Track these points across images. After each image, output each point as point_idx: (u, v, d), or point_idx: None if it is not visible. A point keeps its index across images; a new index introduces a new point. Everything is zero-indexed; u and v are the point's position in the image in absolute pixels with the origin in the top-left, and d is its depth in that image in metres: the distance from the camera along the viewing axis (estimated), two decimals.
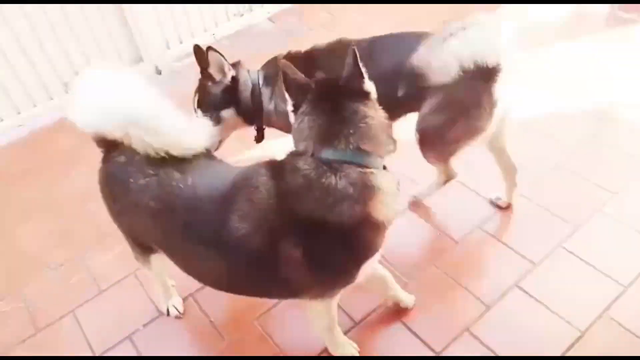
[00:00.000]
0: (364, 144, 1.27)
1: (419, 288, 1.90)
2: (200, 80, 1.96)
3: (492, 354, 1.71)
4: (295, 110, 1.35)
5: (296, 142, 1.34)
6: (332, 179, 1.24)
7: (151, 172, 1.42)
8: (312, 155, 1.28)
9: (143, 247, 1.67)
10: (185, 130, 1.45)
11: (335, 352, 1.71)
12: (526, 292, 1.87)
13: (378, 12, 3.55)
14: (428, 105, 1.70)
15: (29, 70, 2.89)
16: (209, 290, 1.81)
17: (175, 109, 1.44)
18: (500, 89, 1.61)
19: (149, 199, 1.42)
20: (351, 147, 1.26)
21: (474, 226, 2.11)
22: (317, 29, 3.48)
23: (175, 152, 1.42)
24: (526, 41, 2.62)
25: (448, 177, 2.01)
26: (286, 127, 1.68)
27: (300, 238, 1.29)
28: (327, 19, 3.56)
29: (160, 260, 1.68)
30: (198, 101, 1.96)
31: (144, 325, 1.92)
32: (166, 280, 1.90)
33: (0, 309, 2.08)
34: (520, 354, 1.72)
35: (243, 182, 1.36)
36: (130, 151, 1.44)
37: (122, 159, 1.47)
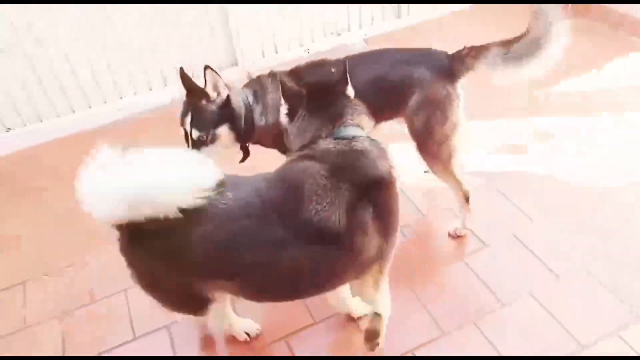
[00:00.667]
0: (360, 121, 1.58)
1: None
2: (189, 101, 1.94)
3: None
4: (290, 115, 1.60)
5: (296, 137, 1.59)
6: (359, 145, 1.50)
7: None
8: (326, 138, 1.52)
9: (201, 303, 1.61)
10: (192, 178, 1.41)
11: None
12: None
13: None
14: (410, 109, 1.97)
15: (127, 61, 3.14)
16: None
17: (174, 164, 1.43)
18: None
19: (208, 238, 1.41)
20: (352, 124, 1.55)
21: None
22: None
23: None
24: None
25: (463, 192, 2.13)
26: (271, 142, 1.99)
27: (367, 200, 1.45)
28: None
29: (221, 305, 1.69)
30: (192, 121, 1.92)
31: (182, 319, 2.00)
32: (232, 319, 1.89)
33: (68, 274, 2.28)
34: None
35: (299, 175, 1.45)
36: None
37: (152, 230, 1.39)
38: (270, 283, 1.49)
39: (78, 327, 2.07)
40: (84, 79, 3.06)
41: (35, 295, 2.20)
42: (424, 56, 2.01)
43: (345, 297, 1.87)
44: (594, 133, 2.69)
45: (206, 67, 1.87)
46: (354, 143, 1.51)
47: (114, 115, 3.17)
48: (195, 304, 1.62)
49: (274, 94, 1.94)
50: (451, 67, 1.97)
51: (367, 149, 1.50)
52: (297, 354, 1.87)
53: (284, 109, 1.62)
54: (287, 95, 1.61)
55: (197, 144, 1.93)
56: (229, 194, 1.41)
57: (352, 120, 1.56)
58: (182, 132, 1.97)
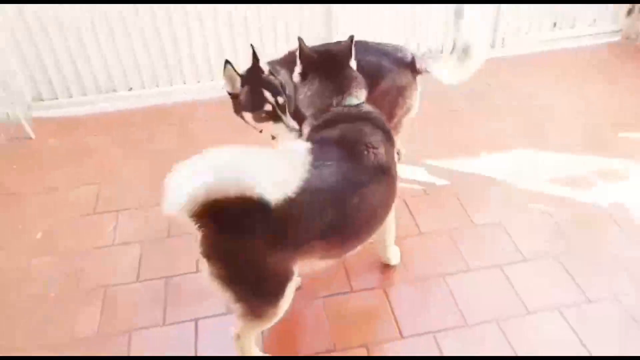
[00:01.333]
0: (359, 93, 1.90)
1: None
2: (255, 79, 2.14)
3: None
4: (302, 75, 1.92)
5: (309, 103, 1.91)
6: (368, 108, 1.89)
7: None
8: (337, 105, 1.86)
9: (283, 282, 1.67)
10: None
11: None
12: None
13: (557, 84, 3.58)
14: (378, 91, 2.24)
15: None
16: None
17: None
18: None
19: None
20: (355, 95, 1.88)
21: None
22: (495, 86, 3.60)
23: None
24: None
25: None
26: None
27: (388, 139, 1.86)
28: (508, 80, 3.67)
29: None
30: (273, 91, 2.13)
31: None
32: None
33: (154, 211, 2.62)
34: None
35: (354, 133, 1.79)
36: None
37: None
38: (355, 226, 1.76)
39: (153, 253, 2.42)
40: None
41: (125, 222, 2.61)
42: (395, 49, 2.39)
43: (387, 245, 2.21)
44: None
45: (226, 62, 2.08)
46: (362, 108, 1.88)
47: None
48: (277, 286, 1.66)
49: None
50: (414, 63, 2.35)
51: (373, 110, 1.90)
52: None
53: (298, 69, 1.93)
54: (303, 56, 1.90)
55: (284, 110, 2.15)
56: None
57: (355, 92, 1.89)
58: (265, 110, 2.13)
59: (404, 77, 2.35)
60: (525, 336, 1.98)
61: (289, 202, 1.48)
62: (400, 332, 2.01)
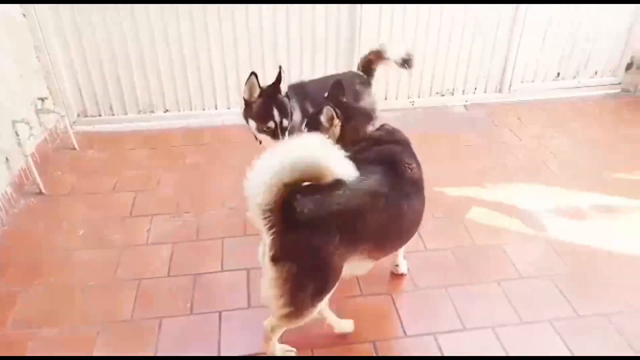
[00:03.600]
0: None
1: None
2: (268, 97, 2.46)
3: None
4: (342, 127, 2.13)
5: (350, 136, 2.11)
6: (390, 127, 2.21)
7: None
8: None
9: (337, 276, 1.82)
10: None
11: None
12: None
13: (560, 127, 3.87)
14: None
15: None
16: None
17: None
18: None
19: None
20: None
21: None
22: (502, 127, 3.91)
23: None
24: None
25: None
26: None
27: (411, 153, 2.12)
28: (514, 122, 3.97)
29: None
30: (280, 112, 2.44)
31: None
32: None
33: (186, 218, 2.94)
34: None
35: (391, 152, 2.04)
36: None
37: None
38: (400, 231, 2.03)
39: (183, 253, 2.67)
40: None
41: (159, 225, 2.87)
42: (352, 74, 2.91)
43: (399, 254, 2.45)
44: None
45: (252, 73, 2.38)
46: (385, 127, 2.18)
47: None
48: (332, 284, 1.81)
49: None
50: (367, 75, 2.89)
51: (392, 127, 2.19)
52: None
53: (338, 126, 2.10)
54: (339, 115, 2.08)
55: (284, 132, 2.45)
56: (362, 178, 1.75)
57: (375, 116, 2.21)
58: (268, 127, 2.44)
59: (360, 87, 2.84)
60: (518, 342, 2.18)
61: (359, 199, 1.77)
62: (404, 332, 2.23)
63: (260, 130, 2.48)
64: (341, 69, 3.58)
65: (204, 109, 3.93)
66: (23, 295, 2.41)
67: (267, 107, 2.43)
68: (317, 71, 3.80)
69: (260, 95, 2.44)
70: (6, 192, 2.95)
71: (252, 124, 2.49)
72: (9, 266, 2.57)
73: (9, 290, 2.43)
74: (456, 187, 3.19)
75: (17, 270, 2.55)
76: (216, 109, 3.94)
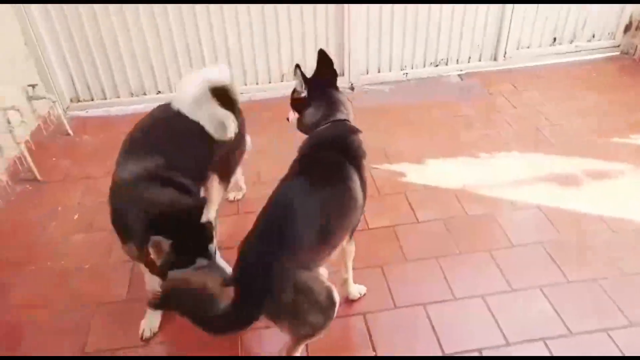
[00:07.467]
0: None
1: None
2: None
3: None
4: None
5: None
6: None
7: None
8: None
9: None
10: None
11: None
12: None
13: (556, 93, 3.82)
14: None
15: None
16: None
17: None
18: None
19: None
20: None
21: None
22: (496, 95, 3.86)
23: None
24: None
25: None
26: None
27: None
28: (509, 90, 3.92)
29: None
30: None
31: None
32: None
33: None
34: None
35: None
36: None
37: None
38: None
39: None
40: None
41: None
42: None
43: None
44: None
45: (297, 66, 2.06)
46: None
47: None
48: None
49: None
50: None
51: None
52: None
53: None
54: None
55: None
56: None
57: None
58: None
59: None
60: (508, 309, 2.20)
61: None
62: (394, 303, 2.25)
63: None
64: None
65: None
66: (20, 279, 2.46)
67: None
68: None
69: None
70: (1, 180, 2.98)
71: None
72: (5, 251, 2.62)
73: (6, 274, 2.48)
74: (448, 157, 3.17)
75: (14, 254, 2.60)
76: None
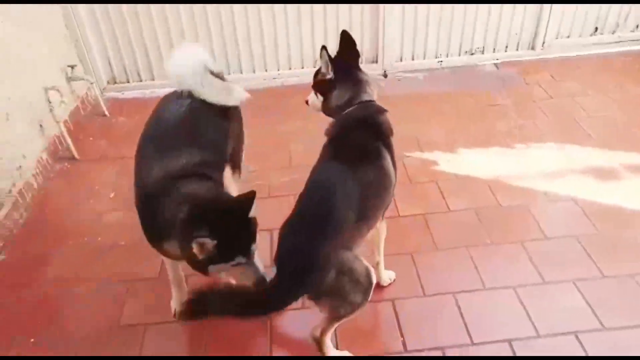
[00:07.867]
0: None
1: None
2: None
3: None
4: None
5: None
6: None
7: None
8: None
9: None
10: None
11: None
12: None
13: (595, 84, 3.71)
14: None
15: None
16: None
17: None
18: None
19: None
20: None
21: None
22: (533, 85, 3.77)
23: None
24: None
25: None
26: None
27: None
28: (547, 80, 3.82)
29: None
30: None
31: None
32: None
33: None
34: None
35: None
36: None
37: None
38: None
39: None
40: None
41: None
42: None
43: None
44: None
45: (323, 47, 1.97)
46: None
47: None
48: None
49: None
50: None
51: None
52: None
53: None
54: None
55: None
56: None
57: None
58: None
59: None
60: (539, 301, 2.17)
61: None
62: (423, 291, 2.24)
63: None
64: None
65: (229, 73, 3.94)
66: (58, 254, 2.55)
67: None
68: None
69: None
70: (42, 158, 3.08)
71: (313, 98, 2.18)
72: (45, 227, 2.71)
73: (45, 249, 2.57)
74: (482, 147, 3.13)
75: (53, 230, 2.69)
76: (241, 73, 3.95)
